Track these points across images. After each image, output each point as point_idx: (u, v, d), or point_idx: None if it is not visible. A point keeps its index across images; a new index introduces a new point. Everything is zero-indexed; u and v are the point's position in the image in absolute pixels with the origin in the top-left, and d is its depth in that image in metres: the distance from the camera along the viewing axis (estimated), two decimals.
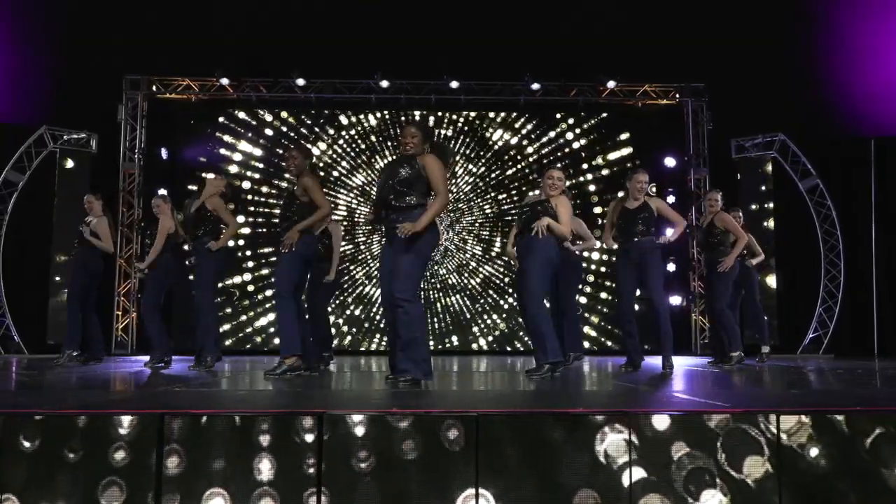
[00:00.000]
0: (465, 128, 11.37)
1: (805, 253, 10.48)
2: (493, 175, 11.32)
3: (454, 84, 10.79)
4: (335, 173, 11.17)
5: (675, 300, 10.74)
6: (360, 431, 2.35)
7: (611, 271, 10.97)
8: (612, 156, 11.37)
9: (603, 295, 11.16)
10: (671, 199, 10.62)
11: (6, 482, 2.30)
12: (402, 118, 11.26)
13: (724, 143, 11.04)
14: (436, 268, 11.08)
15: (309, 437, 2.34)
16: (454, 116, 11.37)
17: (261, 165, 11.19)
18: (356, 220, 11.07)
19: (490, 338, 11.07)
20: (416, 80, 10.90)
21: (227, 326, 10.71)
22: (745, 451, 2.38)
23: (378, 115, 11.30)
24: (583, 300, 10.79)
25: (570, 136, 11.41)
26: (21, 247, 10.04)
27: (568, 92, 11.11)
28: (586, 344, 10.81)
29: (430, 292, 11.05)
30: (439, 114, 11.34)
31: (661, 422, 2.40)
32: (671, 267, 10.55)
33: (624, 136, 11.39)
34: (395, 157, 4.42)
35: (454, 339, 11.00)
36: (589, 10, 10.20)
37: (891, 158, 10.37)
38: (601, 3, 10.35)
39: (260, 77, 10.91)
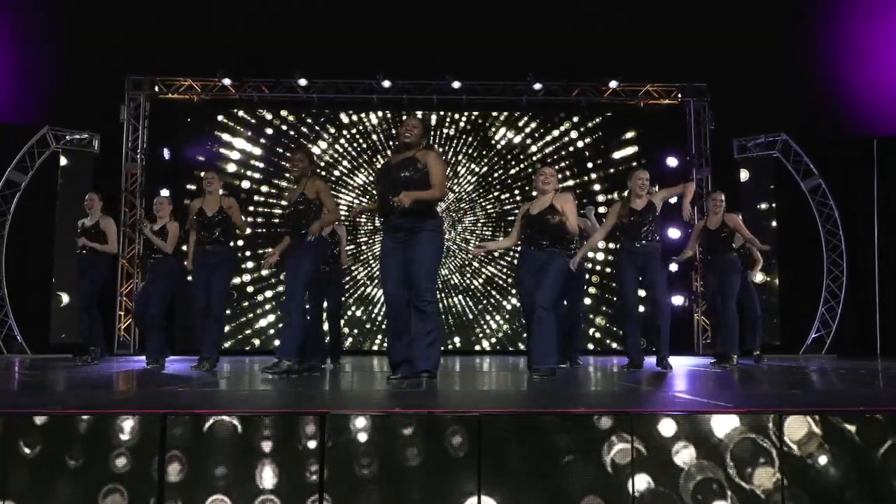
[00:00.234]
0: (468, 127, 11.37)
1: (807, 253, 10.46)
2: (495, 175, 11.32)
3: (456, 84, 10.79)
4: (336, 172, 11.17)
5: (678, 300, 10.73)
6: (363, 433, 2.34)
7: (612, 271, 10.97)
8: (615, 156, 11.36)
9: (606, 296, 11.15)
10: (673, 200, 10.59)
11: (5, 485, 2.30)
12: (404, 117, 11.24)
13: (726, 143, 11.03)
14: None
15: (311, 438, 2.33)
16: (456, 116, 11.37)
17: (261, 165, 11.19)
18: (357, 220, 11.06)
19: (493, 339, 11.07)
20: (418, 80, 10.89)
21: (226, 328, 10.69)
22: (754, 454, 2.37)
23: (380, 114, 11.31)
24: (587, 301, 10.78)
25: (571, 136, 11.40)
26: (24, 247, 10.05)
27: (570, 92, 11.10)
28: (589, 346, 10.83)
29: None
30: (441, 114, 11.34)
31: (667, 427, 2.38)
32: (673, 267, 10.53)
33: (626, 137, 11.38)
34: (393, 158, 4.35)
35: (456, 340, 11.00)
36: (590, 9, 10.19)
37: (893, 158, 10.35)
38: (603, 3, 10.34)
39: (262, 77, 10.92)
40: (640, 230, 5.67)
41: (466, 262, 11.20)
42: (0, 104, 10.26)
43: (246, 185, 11.07)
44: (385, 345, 10.36)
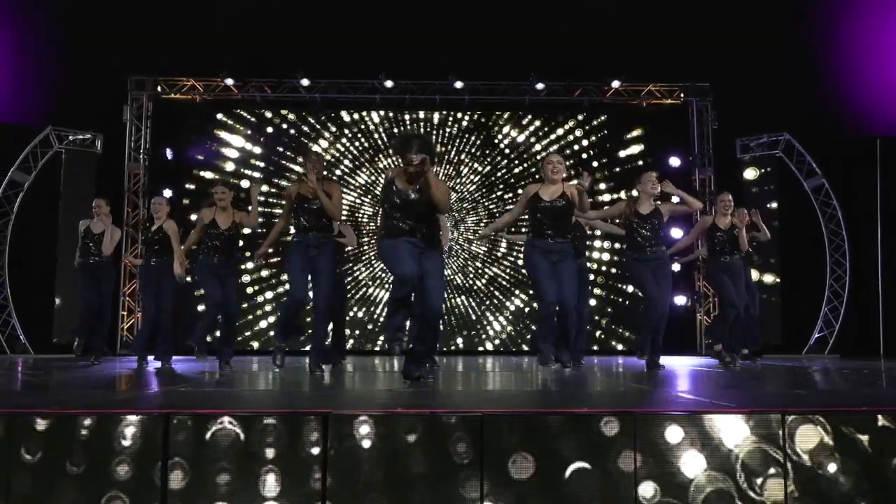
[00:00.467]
0: (471, 126, 11.37)
1: (810, 252, 10.45)
2: (497, 175, 11.32)
3: (458, 84, 10.79)
4: (338, 172, 11.17)
5: (680, 300, 10.71)
6: (365, 434, 2.34)
7: (617, 272, 10.96)
8: (618, 155, 11.34)
9: (611, 297, 11.14)
10: (675, 199, 10.58)
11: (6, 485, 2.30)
12: (407, 117, 11.26)
13: (728, 143, 11.02)
14: None
15: (314, 440, 2.33)
16: (458, 115, 11.37)
17: (262, 164, 11.19)
18: (359, 219, 11.06)
19: (497, 341, 11.06)
20: (420, 80, 10.90)
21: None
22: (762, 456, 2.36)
23: (381, 113, 11.30)
24: (592, 302, 10.77)
25: (575, 135, 11.40)
26: (27, 247, 10.06)
27: (572, 92, 11.10)
28: (594, 347, 10.81)
29: None
30: (444, 113, 11.34)
31: (674, 433, 2.35)
32: (676, 267, 10.52)
33: (629, 136, 11.37)
34: (406, 183, 4.22)
35: (459, 341, 10.99)
36: (593, 9, 10.19)
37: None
38: (605, 3, 10.33)
39: (264, 77, 10.93)
40: (646, 238, 5.70)
41: (469, 262, 11.19)
42: (3, 104, 10.28)
43: (245, 184, 11.06)
44: (385, 345, 10.35)
